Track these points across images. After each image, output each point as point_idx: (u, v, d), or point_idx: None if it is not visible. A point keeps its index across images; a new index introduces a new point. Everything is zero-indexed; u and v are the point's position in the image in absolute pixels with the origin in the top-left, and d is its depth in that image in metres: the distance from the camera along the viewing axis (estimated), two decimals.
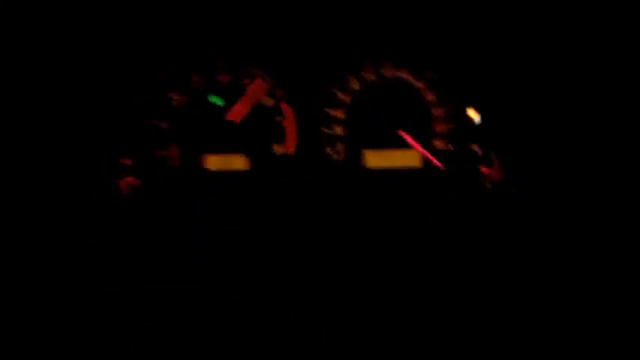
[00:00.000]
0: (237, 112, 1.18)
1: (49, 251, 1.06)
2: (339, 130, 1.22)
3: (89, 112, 1.15)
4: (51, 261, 1.06)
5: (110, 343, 1.02)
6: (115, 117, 1.16)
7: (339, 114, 1.22)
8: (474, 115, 1.23)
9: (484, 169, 1.21)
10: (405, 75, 1.24)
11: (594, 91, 1.18)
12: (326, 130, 1.21)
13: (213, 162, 1.17)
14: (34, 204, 1.08)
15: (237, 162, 1.17)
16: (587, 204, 1.15)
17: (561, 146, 1.19)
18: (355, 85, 1.23)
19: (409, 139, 1.20)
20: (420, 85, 1.24)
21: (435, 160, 1.20)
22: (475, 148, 1.22)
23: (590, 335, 1.05)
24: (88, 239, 1.07)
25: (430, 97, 1.24)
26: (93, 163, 1.13)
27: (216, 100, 1.19)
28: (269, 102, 1.21)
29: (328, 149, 1.20)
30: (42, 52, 1.12)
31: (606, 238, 1.13)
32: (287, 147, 1.19)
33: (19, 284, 1.04)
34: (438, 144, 1.23)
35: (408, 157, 1.21)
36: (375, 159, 1.20)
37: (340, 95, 1.22)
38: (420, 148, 1.20)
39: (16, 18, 1.10)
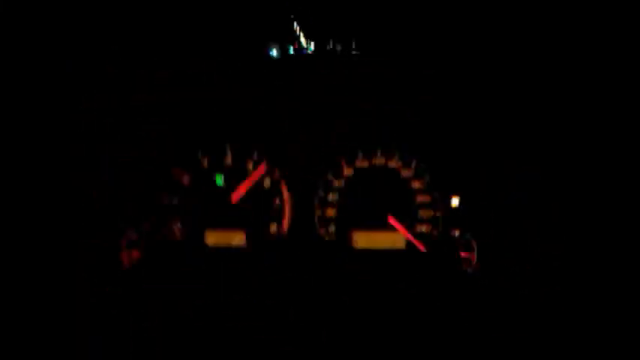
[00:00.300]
0: (239, 193, 1.29)
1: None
2: (331, 213, 1.32)
3: (99, 183, 1.23)
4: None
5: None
6: (121, 191, 1.25)
7: (332, 197, 1.33)
8: (454, 200, 1.34)
9: (463, 254, 1.30)
10: (393, 164, 1.36)
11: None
12: (319, 213, 1.31)
13: (213, 238, 1.27)
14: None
15: (236, 239, 1.27)
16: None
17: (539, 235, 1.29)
18: (348, 172, 1.35)
19: (395, 223, 1.31)
20: (407, 173, 1.36)
21: (418, 244, 1.30)
22: (456, 233, 1.32)
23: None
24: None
25: (416, 184, 1.35)
26: (98, 235, 1.21)
27: (220, 180, 1.30)
28: (268, 183, 1.32)
29: (320, 230, 1.31)
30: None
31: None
32: (283, 226, 1.30)
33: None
34: (422, 228, 1.33)
35: (394, 239, 1.31)
36: (363, 240, 1.30)
37: (334, 180, 1.34)
38: (405, 232, 1.30)
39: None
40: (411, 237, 1.30)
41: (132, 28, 1.28)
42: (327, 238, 1.30)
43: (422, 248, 1.29)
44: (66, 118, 1.19)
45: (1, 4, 1.11)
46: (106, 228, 1.22)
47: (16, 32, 1.13)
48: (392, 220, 1.31)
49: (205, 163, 1.31)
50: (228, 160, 1.32)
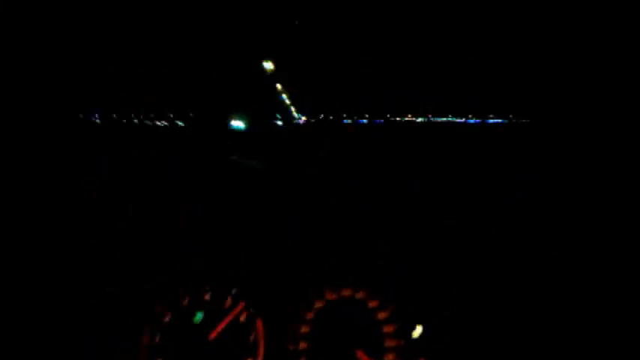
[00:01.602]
0: (217, 330, 1.38)
1: None
2: (303, 345, 1.41)
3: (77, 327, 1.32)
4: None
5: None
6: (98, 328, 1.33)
7: (303, 330, 1.43)
8: (417, 331, 1.44)
9: None
10: (360, 296, 1.48)
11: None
12: (291, 347, 1.40)
13: None
14: None
15: None
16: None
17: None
18: (319, 304, 1.46)
19: (364, 358, 1.39)
20: (373, 304, 1.47)
21: None
22: None
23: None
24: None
25: (381, 315, 1.46)
26: None
27: (199, 318, 1.40)
28: (244, 318, 1.42)
29: None
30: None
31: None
32: None
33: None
34: (389, 358, 1.41)
35: None
36: None
37: (306, 313, 1.45)
38: None
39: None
40: None
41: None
42: None
43: None
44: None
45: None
46: None
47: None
48: (360, 355, 1.39)
49: (186, 301, 1.42)
50: (207, 297, 1.43)
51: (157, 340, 1.37)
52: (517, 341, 1.26)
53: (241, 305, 1.42)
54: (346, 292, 1.49)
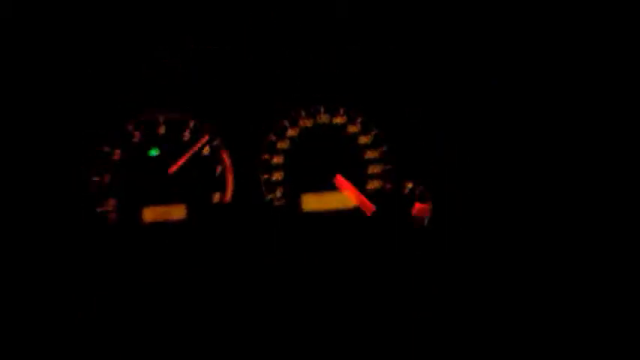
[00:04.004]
0: (176, 164, 1.20)
1: None
2: (277, 176, 1.25)
3: (23, 167, 1.12)
4: None
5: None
6: (52, 172, 1.15)
7: (277, 160, 1.26)
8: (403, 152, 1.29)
9: (418, 205, 1.26)
10: (339, 120, 1.30)
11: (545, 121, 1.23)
12: (265, 176, 1.24)
13: (151, 214, 1.18)
14: None
15: (176, 213, 1.19)
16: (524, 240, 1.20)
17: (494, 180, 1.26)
18: (293, 132, 1.28)
19: (344, 183, 1.25)
20: (353, 129, 1.30)
21: (367, 203, 1.24)
22: (409, 186, 1.28)
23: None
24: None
25: (363, 140, 1.30)
26: (30, 219, 1.11)
27: (154, 153, 1.21)
28: (207, 151, 1.23)
29: (267, 195, 1.24)
30: None
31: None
32: (226, 195, 1.22)
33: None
34: (373, 184, 1.28)
35: (344, 199, 1.25)
36: (313, 202, 1.24)
37: (278, 142, 1.27)
38: (354, 192, 1.24)
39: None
40: (360, 196, 1.24)
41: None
42: (274, 203, 1.23)
43: (370, 208, 1.23)
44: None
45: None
46: (38, 212, 1.11)
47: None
48: (340, 179, 1.25)
49: (137, 136, 1.21)
50: (162, 130, 1.22)
51: (107, 179, 1.18)
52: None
53: (205, 137, 1.22)
54: (323, 118, 1.30)
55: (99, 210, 1.16)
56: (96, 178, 1.17)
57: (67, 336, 1.04)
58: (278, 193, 1.24)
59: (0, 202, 1.09)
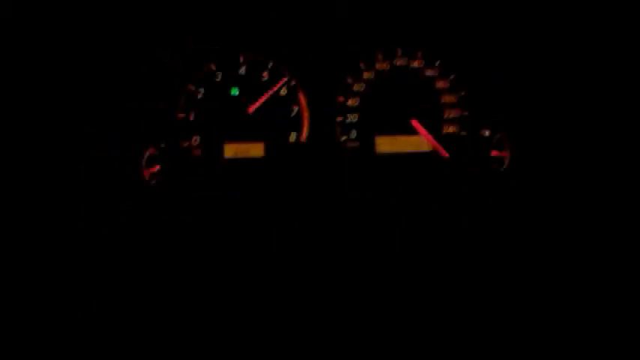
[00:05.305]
0: (256, 104, 1.24)
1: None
2: (352, 118, 1.26)
3: (114, 105, 1.19)
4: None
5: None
6: (139, 110, 1.22)
7: (352, 102, 1.27)
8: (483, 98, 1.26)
9: (495, 153, 1.23)
10: (416, 64, 1.28)
11: (605, 74, 1.17)
12: (340, 118, 1.26)
13: (232, 150, 1.23)
14: (50, 191, 1.11)
15: (254, 150, 1.24)
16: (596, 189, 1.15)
17: (571, 131, 1.20)
18: (369, 75, 1.27)
19: (419, 127, 1.24)
20: (431, 73, 1.27)
21: (441, 149, 1.23)
22: (486, 132, 1.25)
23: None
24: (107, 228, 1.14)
25: (441, 84, 1.27)
26: (118, 153, 1.19)
27: (235, 92, 1.25)
28: (284, 92, 1.26)
29: (341, 136, 1.25)
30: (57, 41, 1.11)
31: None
32: (302, 135, 1.25)
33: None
34: (449, 129, 1.26)
35: (419, 142, 1.24)
36: (387, 144, 1.24)
37: (354, 85, 1.27)
38: (429, 136, 1.23)
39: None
40: (434, 142, 1.23)
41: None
42: (348, 145, 1.25)
43: (445, 153, 1.22)
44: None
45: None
46: (126, 146, 1.20)
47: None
48: (416, 124, 1.24)
49: (219, 76, 1.26)
50: (242, 71, 1.26)
51: (192, 116, 1.24)
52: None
53: (283, 79, 1.25)
54: (400, 61, 1.28)
55: (184, 145, 1.23)
56: (181, 115, 1.24)
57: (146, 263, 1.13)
58: (352, 135, 1.26)
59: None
